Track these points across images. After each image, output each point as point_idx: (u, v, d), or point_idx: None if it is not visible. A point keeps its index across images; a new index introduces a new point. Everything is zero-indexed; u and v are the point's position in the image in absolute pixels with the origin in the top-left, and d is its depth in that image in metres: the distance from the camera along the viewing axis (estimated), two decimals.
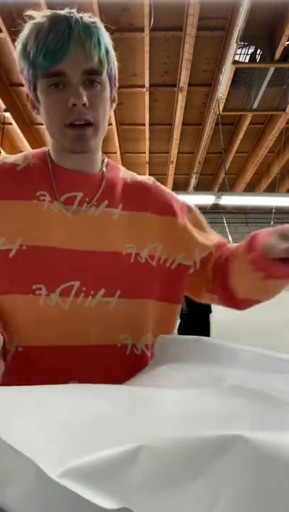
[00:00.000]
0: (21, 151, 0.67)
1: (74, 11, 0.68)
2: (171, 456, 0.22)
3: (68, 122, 0.66)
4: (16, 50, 0.69)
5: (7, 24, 3.12)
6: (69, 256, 0.69)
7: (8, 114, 4.19)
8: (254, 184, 6.35)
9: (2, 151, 4.69)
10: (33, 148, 4.85)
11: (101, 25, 0.70)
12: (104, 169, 0.78)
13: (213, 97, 4.18)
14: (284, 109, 4.22)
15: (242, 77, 3.75)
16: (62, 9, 0.68)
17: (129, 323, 0.71)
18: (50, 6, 2.93)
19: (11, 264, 0.68)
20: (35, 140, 4.92)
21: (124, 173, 0.82)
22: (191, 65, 3.65)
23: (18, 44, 0.68)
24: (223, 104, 4.12)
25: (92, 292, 0.69)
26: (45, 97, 0.67)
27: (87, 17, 0.68)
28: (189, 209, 0.85)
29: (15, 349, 0.66)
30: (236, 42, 3.17)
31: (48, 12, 0.67)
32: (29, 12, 0.68)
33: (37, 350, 0.66)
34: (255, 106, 4.15)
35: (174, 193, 0.86)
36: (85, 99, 0.65)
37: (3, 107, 4.09)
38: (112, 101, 0.76)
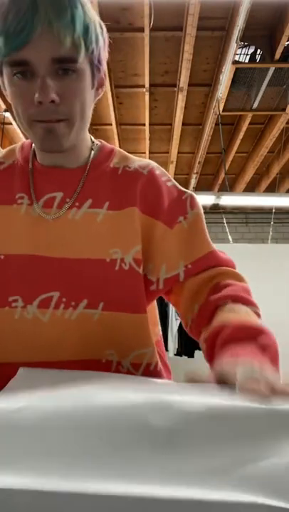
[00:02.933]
0: None
1: None
2: None
3: (36, 119, 0.57)
4: None
5: None
6: (47, 264, 0.62)
7: (8, 114, 4.18)
8: (254, 184, 6.34)
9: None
10: None
11: None
12: (89, 160, 0.68)
13: (213, 97, 4.17)
14: (284, 109, 4.21)
15: (242, 77, 3.75)
16: None
17: (114, 338, 0.63)
18: None
19: None
20: None
21: (119, 161, 0.70)
22: (191, 65, 3.65)
23: None
24: (223, 104, 4.12)
25: (72, 303, 0.62)
26: (10, 86, 0.57)
27: None
28: (184, 210, 0.69)
29: None
30: (236, 42, 3.17)
31: None
32: None
33: (14, 367, 0.55)
34: (255, 106, 4.15)
35: (173, 184, 0.72)
36: (52, 95, 0.54)
37: (3, 107, 4.08)
38: (99, 86, 0.64)
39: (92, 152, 0.69)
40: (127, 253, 0.64)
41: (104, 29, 0.61)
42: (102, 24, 0.61)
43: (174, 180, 0.73)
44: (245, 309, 0.58)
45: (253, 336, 0.51)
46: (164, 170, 0.74)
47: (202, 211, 0.72)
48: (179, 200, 0.70)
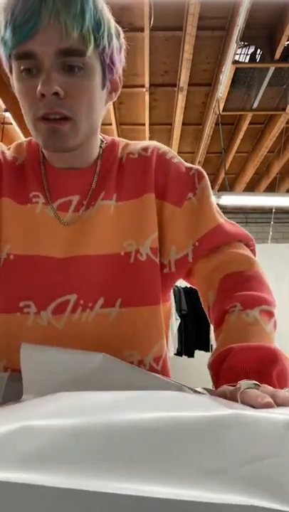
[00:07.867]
0: None
1: None
2: None
3: (40, 115, 0.55)
4: None
5: None
6: (62, 266, 0.60)
7: (8, 114, 4.18)
8: (254, 184, 6.34)
9: None
10: None
11: None
12: (99, 158, 0.67)
13: (213, 96, 4.17)
14: (284, 109, 4.21)
15: (242, 76, 3.75)
16: None
17: (134, 336, 0.60)
18: None
19: None
20: None
21: (122, 151, 0.69)
22: (191, 64, 3.65)
23: None
24: (223, 104, 4.12)
25: (90, 304, 0.59)
26: (16, 83, 0.56)
27: None
28: (193, 186, 0.68)
29: (3, 370, 0.58)
30: (236, 42, 3.17)
31: None
32: None
33: None
34: (255, 106, 4.15)
35: (179, 161, 0.71)
36: (56, 87, 0.52)
37: (3, 107, 4.08)
38: (113, 89, 0.63)
39: (101, 149, 0.68)
40: (142, 243, 0.63)
41: (122, 34, 0.60)
42: (120, 29, 0.60)
43: (179, 157, 0.72)
44: (254, 316, 0.55)
45: (256, 367, 0.47)
46: (168, 147, 0.73)
47: (209, 184, 0.70)
48: (186, 176, 0.69)
